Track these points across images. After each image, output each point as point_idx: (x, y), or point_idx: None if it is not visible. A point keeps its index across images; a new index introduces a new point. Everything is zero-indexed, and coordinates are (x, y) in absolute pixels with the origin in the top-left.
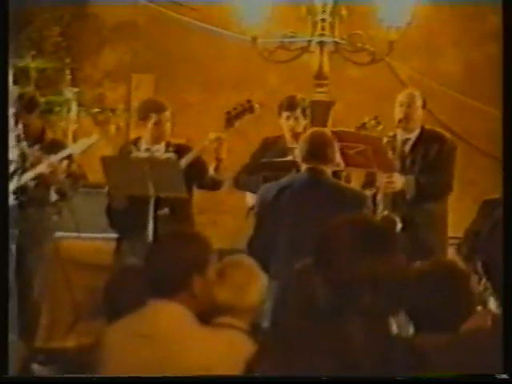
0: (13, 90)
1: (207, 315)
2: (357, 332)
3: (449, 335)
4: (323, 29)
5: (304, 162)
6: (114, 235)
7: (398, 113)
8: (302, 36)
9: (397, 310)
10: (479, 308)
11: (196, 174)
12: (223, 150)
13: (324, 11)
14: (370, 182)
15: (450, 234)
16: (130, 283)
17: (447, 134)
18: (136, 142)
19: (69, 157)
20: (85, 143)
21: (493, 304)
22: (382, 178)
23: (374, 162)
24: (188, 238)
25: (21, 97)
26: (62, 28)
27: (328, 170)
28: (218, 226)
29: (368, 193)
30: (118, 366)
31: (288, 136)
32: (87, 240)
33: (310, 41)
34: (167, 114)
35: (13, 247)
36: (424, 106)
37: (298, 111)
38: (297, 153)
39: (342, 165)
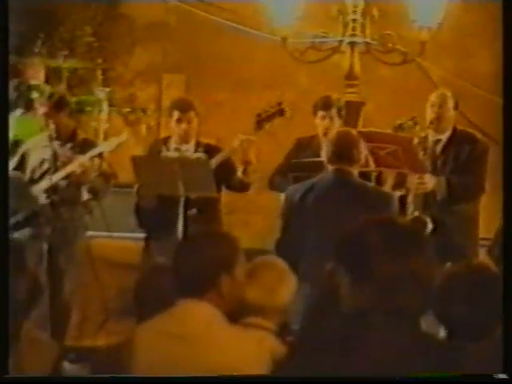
0: (45, 90)
1: (237, 315)
2: (384, 333)
3: (482, 339)
4: (354, 29)
5: (330, 162)
6: (143, 235)
7: (430, 113)
8: (332, 36)
9: (425, 312)
10: None
11: (225, 175)
12: (252, 152)
13: (355, 11)
14: (400, 182)
15: (481, 235)
16: (159, 283)
17: (479, 135)
18: (166, 141)
19: (100, 156)
20: (115, 141)
21: None
22: (412, 179)
23: (404, 162)
24: (216, 238)
25: (52, 96)
26: (94, 28)
27: (354, 171)
28: (247, 226)
29: (398, 193)
30: (147, 366)
31: (322, 136)
32: (117, 239)
33: (340, 41)
34: (191, 113)
35: (44, 246)
36: (456, 107)
37: (333, 111)
38: (323, 153)
39: (373, 165)
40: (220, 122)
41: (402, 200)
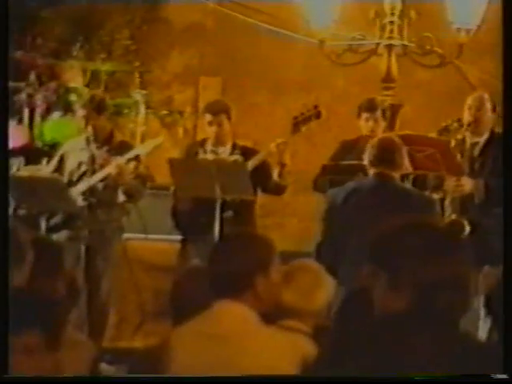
0: (83, 93)
1: (273, 317)
2: (422, 336)
3: None
4: (392, 31)
5: (372, 166)
6: (180, 237)
7: (467, 116)
8: (370, 39)
9: (464, 314)
10: None
11: (261, 178)
12: (287, 155)
13: (393, 14)
14: (438, 185)
15: None
16: (195, 285)
17: None
18: (202, 143)
19: (136, 158)
20: (151, 144)
21: None
22: (450, 182)
23: (442, 165)
24: (251, 239)
25: (91, 99)
26: (132, 31)
27: (396, 175)
28: (283, 228)
29: (436, 196)
30: (183, 367)
31: (366, 138)
32: (154, 241)
33: (378, 43)
34: (224, 115)
35: (82, 248)
36: (494, 110)
37: (378, 113)
38: (365, 157)
39: (410, 168)
40: (256, 125)
41: (440, 203)
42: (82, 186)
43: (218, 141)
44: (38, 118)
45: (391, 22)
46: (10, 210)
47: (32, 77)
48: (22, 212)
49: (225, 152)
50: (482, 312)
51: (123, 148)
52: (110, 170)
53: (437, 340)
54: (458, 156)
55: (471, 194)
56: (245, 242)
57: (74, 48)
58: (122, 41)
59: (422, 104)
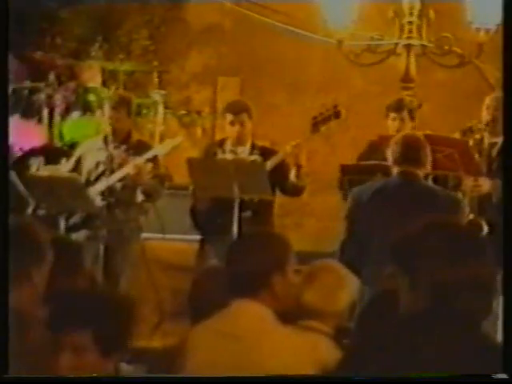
0: (101, 93)
1: (293, 316)
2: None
3: None
4: (410, 31)
5: (396, 165)
6: (198, 236)
7: (486, 116)
8: (388, 39)
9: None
10: None
11: (279, 179)
12: (303, 156)
13: (411, 13)
14: (456, 185)
15: None
16: (213, 284)
17: None
18: (221, 143)
19: (155, 158)
20: (169, 144)
21: None
22: (468, 182)
23: (460, 165)
24: (268, 238)
25: (120, 100)
26: (151, 31)
27: (421, 174)
28: (301, 228)
29: None
30: (202, 366)
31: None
32: (172, 241)
33: (396, 43)
34: (246, 115)
35: (100, 247)
36: None
37: (405, 113)
38: (388, 155)
39: (429, 168)
40: (275, 125)
41: None
42: (101, 186)
43: (238, 141)
44: (57, 118)
45: (410, 22)
46: (30, 210)
47: (51, 77)
48: (41, 212)
49: (244, 152)
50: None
51: (141, 148)
52: (128, 169)
53: (458, 341)
54: (477, 156)
55: (489, 194)
56: (261, 241)
57: (93, 48)
58: (140, 41)
59: (440, 104)
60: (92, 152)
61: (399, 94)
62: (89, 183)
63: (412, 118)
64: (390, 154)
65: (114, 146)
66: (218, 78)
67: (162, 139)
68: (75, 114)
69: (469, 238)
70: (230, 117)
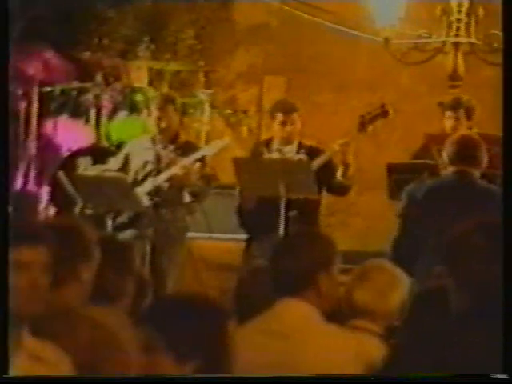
0: (148, 93)
1: (343, 316)
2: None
3: None
4: (458, 29)
5: (452, 164)
6: (244, 236)
7: None
8: (436, 37)
9: None
10: None
11: (325, 178)
12: (350, 155)
13: (460, 11)
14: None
15: None
16: (260, 284)
17: None
18: (267, 143)
19: (202, 159)
20: (217, 145)
21: None
22: None
23: None
24: (313, 238)
25: (165, 99)
26: (197, 31)
27: (477, 173)
28: (347, 227)
29: None
30: (247, 365)
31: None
32: (218, 240)
33: (444, 41)
34: (295, 115)
35: (147, 247)
36: None
37: (461, 111)
38: (444, 155)
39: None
40: (321, 124)
41: None
42: (148, 186)
43: (285, 140)
44: (104, 118)
45: (458, 20)
46: (77, 210)
47: (99, 77)
48: (88, 211)
49: (290, 151)
50: None
51: (188, 148)
52: (176, 170)
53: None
54: None
55: None
56: (307, 240)
57: (140, 48)
58: (187, 40)
59: (489, 102)
60: (140, 151)
61: (447, 92)
62: (136, 183)
63: (469, 118)
64: (446, 153)
65: (162, 146)
66: (264, 77)
67: (208, 139)
68: (122, 114)
69: None
70: (280, 116)
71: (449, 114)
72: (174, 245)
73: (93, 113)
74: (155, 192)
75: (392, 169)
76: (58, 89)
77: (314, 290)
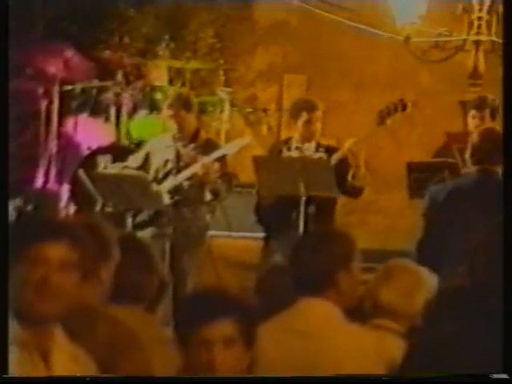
0: (168, 91)
1: (365, 315)
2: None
3: None
4: (479, 27)
5: (475, 162)
6: (263, 234)
7: None
8: (456, 35)
9: None
10: None
11: (339, 178)
12: (362, 156)
13: (481, 9)
14: None
15: None
16: (279, 282)
17: None
18: (287, 141)
19: (222, 157)
20: (238, 144)
21: None
22: None
23: None
24: (333, 236)
25: (177, 97)
26: (217, 30)
27: (500, 170)
28: (366, 226)
29: None
30: (268, 364)
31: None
32: (238, 239)
33: (465, 40)
34: (318, 113)
35: (167, 245)
36: None
37: (487, 111)
38: (467, 148)
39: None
40: (341, 122)
41: None
42: (169, 184)
43: (304, 138)
44: (124, 117)
45: (479, 18)
46: (98, 207)
47: (119, 76)
48: (108, 209)
49: (309, 149)
50: None
51: (209, 146)
52: (196, 169)
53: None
54: None
55: None
56: (326, 239)
57: (160, 47)
58: (206, 39)
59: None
60: (160, 150)
61: (467, 90)
62: (156, 181)
63: (493, 118)
64: (469, 151)
65: (182, 145)
66: (283, 76)
67: (227, 137)
68: (142, 113)
69: None
70: (305, 115)
71: (473, 113)
72: (195, 243)
73: (113, 111)
74: (175, 190)
75: (412, 167)
76: (78, 87)
77: (334, 288)
